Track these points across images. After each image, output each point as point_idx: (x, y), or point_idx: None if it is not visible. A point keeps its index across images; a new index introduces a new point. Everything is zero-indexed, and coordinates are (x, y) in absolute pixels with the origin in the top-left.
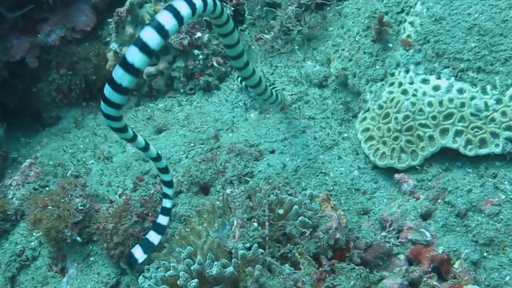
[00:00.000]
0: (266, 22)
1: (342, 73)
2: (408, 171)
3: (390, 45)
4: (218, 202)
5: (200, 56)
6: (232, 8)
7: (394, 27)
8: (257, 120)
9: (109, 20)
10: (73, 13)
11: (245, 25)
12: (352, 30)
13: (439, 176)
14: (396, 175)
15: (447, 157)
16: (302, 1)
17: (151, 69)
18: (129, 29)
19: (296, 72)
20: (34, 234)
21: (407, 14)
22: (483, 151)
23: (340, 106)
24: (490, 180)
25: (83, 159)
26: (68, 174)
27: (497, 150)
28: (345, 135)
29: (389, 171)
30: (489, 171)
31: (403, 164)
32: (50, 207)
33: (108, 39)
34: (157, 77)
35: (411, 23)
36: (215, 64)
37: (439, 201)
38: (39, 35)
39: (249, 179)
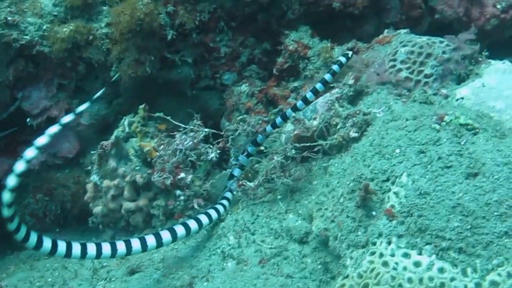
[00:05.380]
0: (250, 167)
1: (324, 233)
2: None
3: (374, 213)
4: None
5: (182, 197)
6: (218, 151)
7: (379, 195)
8: (234, 272)
9: (92, 152)
10: (56, 139)
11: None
12: (337, 191)
13: None
14: None
15: None
16: (288, 154)
17: (130, 205)
18: (112, 163)
19: (277, 224)
20: None
21: (393, 183)
22: None
23: (319, 266)
24: None
25: None
26: None
27: None
28: None
29: None
30: None
31: None
32: None
33: (90, 167)
34: (136, 213)
35: (396, 194)
36: (196, 206)
37: None
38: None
39: None
